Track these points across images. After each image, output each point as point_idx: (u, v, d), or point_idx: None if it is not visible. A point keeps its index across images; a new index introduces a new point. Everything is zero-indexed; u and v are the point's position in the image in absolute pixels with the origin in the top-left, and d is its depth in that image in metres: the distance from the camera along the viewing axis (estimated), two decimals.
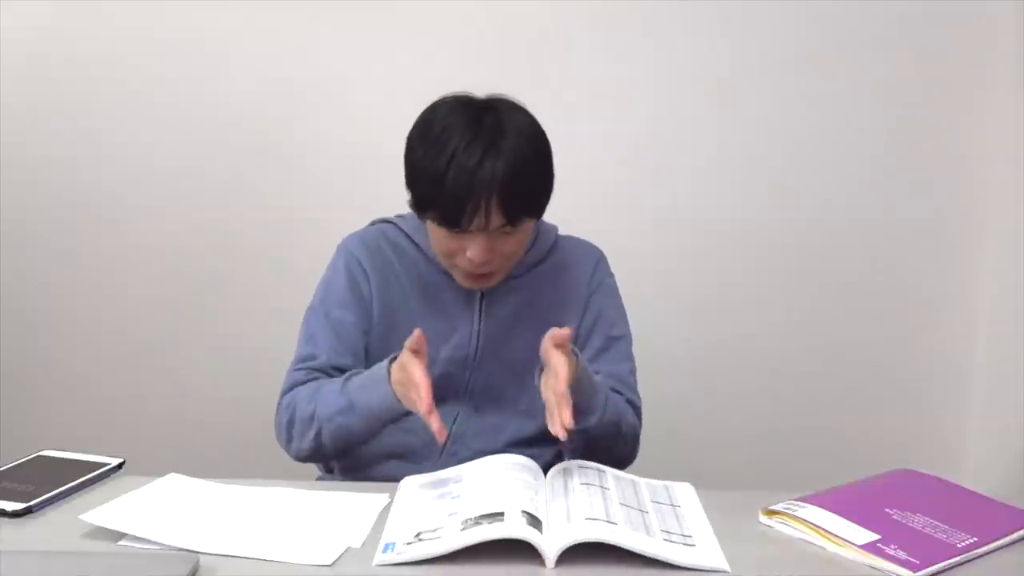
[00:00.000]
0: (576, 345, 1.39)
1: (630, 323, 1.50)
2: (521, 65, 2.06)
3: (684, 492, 1.20)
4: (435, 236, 1.34)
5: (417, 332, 1.20)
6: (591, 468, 1.21)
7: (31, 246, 2.20)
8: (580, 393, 1.23)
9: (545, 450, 1.37)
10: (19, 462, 1.23)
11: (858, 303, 2.15)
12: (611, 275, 1.51)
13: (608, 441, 1.34)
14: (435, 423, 1.15)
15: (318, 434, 1.32)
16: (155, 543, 1.01)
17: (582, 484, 1.14)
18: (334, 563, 0.99)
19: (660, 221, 2.13)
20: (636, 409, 1.43)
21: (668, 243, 2.14)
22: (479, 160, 1.24)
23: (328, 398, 1.32)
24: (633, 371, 1.47)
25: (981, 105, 2.04)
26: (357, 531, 1.07)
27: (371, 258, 1.42)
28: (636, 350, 1.48)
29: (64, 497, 1.14)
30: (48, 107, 2.15)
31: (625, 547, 0.99)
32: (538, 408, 1.25)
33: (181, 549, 1.00)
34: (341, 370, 1.38)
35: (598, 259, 1.50)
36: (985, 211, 2.08)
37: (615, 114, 2.10)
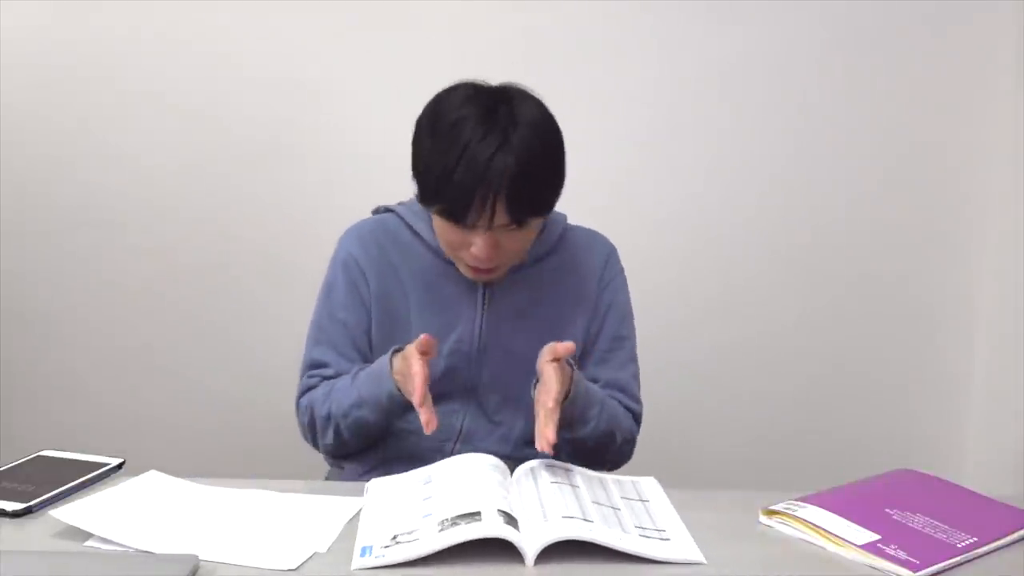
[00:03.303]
0: (585, 344, 1.39)
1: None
2: (523, 65, 2.04)
3: (650, 487, 1.20)
4: (440, 228, 1.30)
5: (425, 337, 1.19)
6: (558, 467, 1.21)
7: (31, 246, 2.20)
8: (574, 404, 1.23)
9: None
10: (19, 462, 1.23)
11: (858, 303, 2.16)
12: (621, 271, 1.46)
13: (601, 447, 1.35)
14: (425, 414, 1.15)
15: (337, 431, 1.34)
16: (120, 544, 1.00)
17: (552, 483, 1.13)
18: (299, 568, 0.97)
19: (661, 223, 2.13)
20: (635, 415, 1.42)
21: (669, 245, 2.14)
22: (490, 156, 1.19)
23: (340, 395, 1.33)
24: (636, 374, 1.45)
25: (981, 106, 2.04)
26: (325, 536, 1.04)
27: (368, 256, 1.40)
28: (639, 351, 1.47)
29: (64, 497, 1.14)
30: (48, 107, 2.15)
31: (604, 544, 0.99)
32: None
33: (141, 551, 0.98)
34: None
35: (609, 253, 1.46)
36: (985, 213, 2.08)
37: (619, 114, 2.10)
